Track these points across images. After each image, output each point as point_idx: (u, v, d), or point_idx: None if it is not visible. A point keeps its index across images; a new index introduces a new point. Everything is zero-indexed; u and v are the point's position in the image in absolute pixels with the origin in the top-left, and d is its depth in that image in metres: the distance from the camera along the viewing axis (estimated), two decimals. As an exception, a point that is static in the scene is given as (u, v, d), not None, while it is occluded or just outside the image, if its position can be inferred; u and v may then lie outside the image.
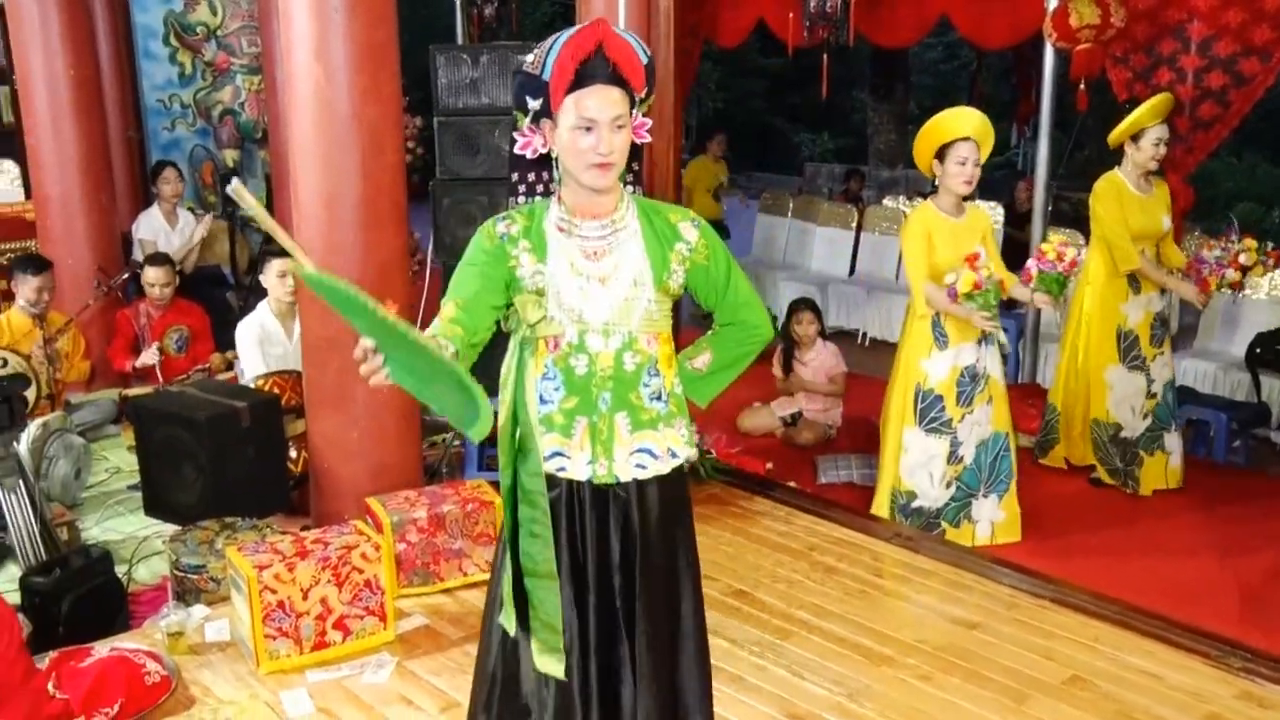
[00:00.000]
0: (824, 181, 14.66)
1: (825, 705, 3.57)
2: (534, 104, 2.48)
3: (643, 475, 2.62)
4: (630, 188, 2.74)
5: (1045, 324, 7.10)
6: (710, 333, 2.84)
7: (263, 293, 5.62)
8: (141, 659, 3.55)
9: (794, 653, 3.88)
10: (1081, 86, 6.47)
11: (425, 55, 5.09)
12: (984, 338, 4.85)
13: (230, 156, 8.97)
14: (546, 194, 2.67)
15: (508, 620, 2.68)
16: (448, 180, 5.06)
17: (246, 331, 5.46)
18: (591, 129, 2.43)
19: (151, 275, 6.29)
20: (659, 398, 2.62)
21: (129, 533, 4.85)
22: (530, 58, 2.49)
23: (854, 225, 9.51)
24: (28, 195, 7.45)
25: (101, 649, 3.60)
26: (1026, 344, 7.18)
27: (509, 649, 2.73)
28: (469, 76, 5.04)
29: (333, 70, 4.26)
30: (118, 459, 5.69)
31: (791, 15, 8.32)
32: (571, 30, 2.46)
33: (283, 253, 5.20)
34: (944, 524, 4.97)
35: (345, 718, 3.48)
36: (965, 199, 4.87)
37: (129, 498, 5.18)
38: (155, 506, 4.88)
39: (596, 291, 2.55)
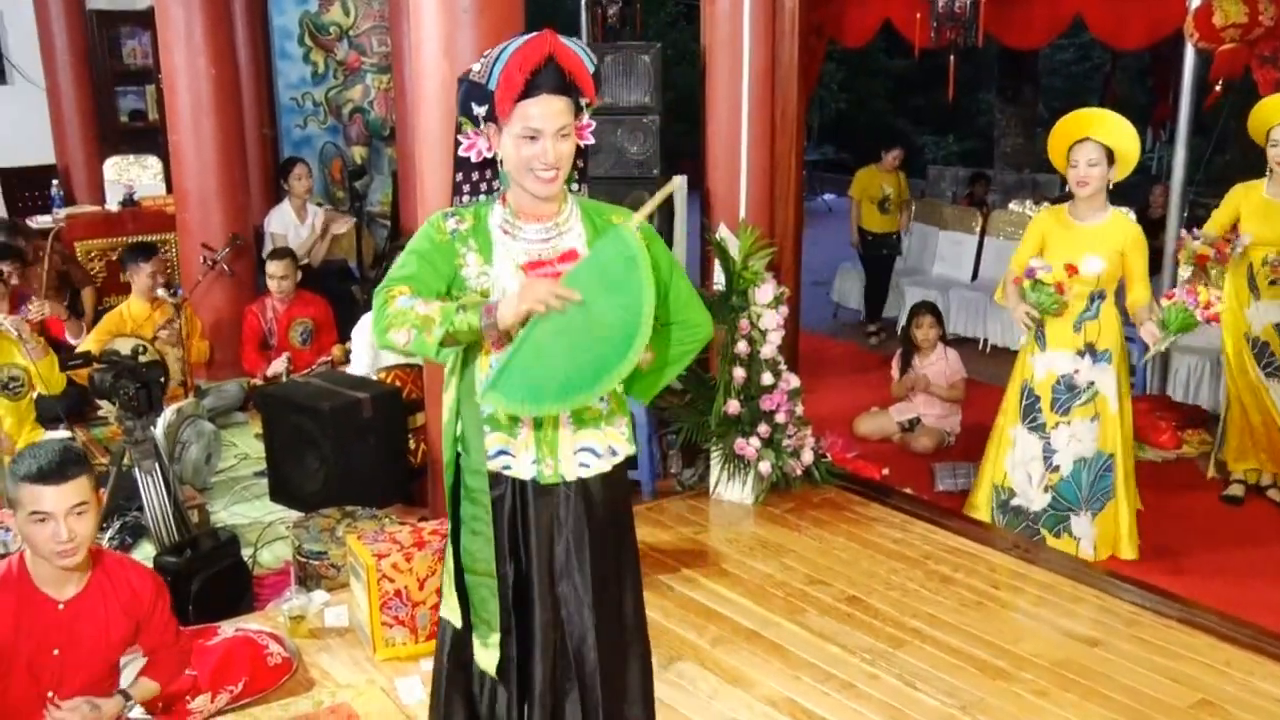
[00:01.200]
0: (948, 185, 14.37)
1: (937, 717, 3.51)
2: (479, 110, 2.51)
3: (586, 474, 2.66)
4: (578, 188, 2.76)
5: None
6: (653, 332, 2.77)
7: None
8: (265, 640, 3.66)
9: (907, 662, 3.83)
10: (1217, 88, 6.24)
11: (550, 54, 5.12)
12: (1092, 352, 4.68)
13: (358, 153, 9.16)
14: (490, 193, 2.68)
15: (451, 614, 2.76)
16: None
17: (367, 326, 5.56)
18: (536, 138, 2.45)
19: (273, 268, 6.46)
20: (601, 397, 2.61)
21: (254, 518, 5.00)
22: (477, 66, 2.51)
23: (978, 230, 9.32)
24: (169, 189, 7.73)
25: (227, 629, 3.72)
26: (1156, 356, 6.95)
27: (456, 641, 2.79)
28: (592, 76, 5.06)
29: (461, 68, 4.29)
30: (245, 445, 5.87)
31: (919, 15, 8.19)
32: (519, 40, 2.48)
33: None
34: (1044, 531, 4.83)
35: (458, 707, 3.53)
36: (1087, 202, 4.69)
37: (255, 483, 5.34)
38: (280, 493, 5.03)
39: None
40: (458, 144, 2.62)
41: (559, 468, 2.64)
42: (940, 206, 10.17)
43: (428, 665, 3.70)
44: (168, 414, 4.95)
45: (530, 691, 2.72)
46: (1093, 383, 4.69)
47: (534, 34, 2.49)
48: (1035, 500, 4.83)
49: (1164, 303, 4.51)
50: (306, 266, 7.34)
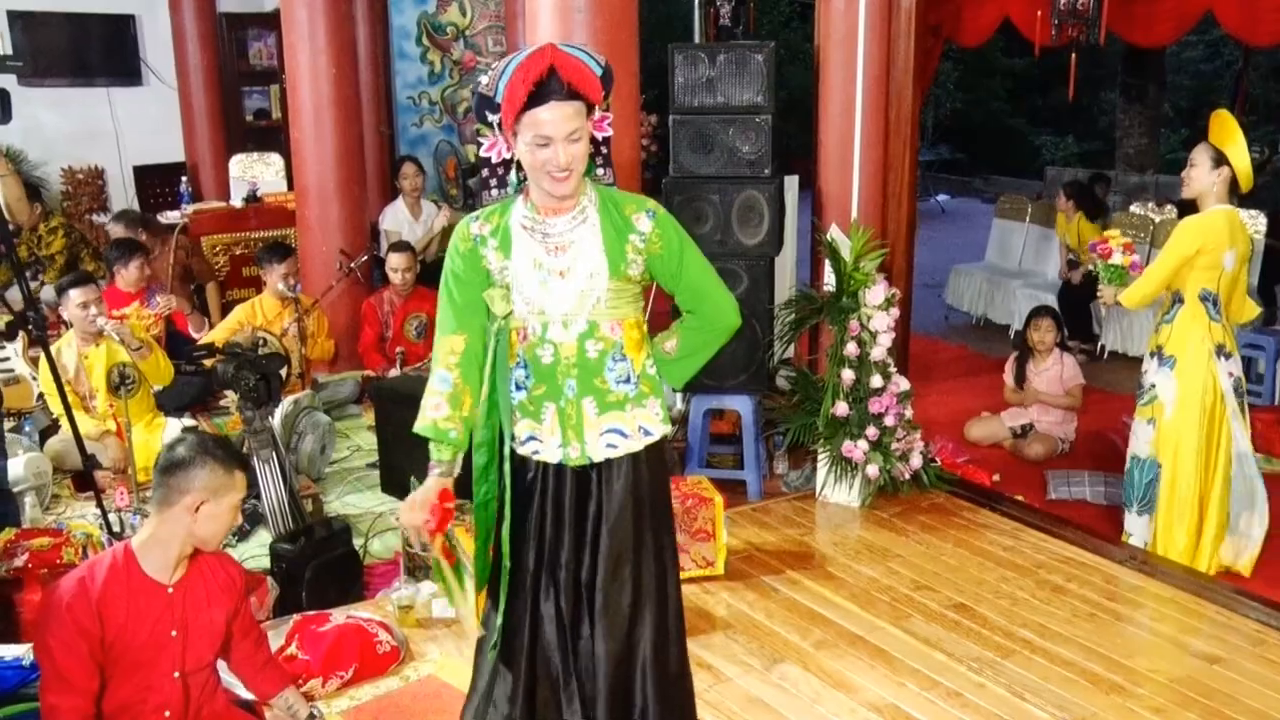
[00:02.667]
0: (1066, 186, 14.07)
1: (1048, 729, 3.44)
2: (493, 119, 2.63)
3: (614, 454, 2.76)
4: (601, 172, 2.86)
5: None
6: (680, 319, 2.94)
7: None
8: (374, 628, 3.74)
9: (1015, 672, 3.75)
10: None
11: (662, 53, 5.13)
12: (1159, 355, 4.57)
13: (473, 152, 9.29)
14: (516, 190, 2.79)
15: (478, 583, 2.87)
16: (680, 178, 5.10)
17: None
18: (548, 144, 2.55)
19: (394, 261, 6.61)
20: (626, 380, 2.75)
21: (366, 508, 5.10)
22: (485, 79, 2.62)
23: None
24: (290, 186, 7.93)
25: (339, 616, 3.80)
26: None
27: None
28: (705, 75, 5.06)
29: (574, 69, 4.35)
30: (358, 438, 5.99)
31: (1040, 13, 8.01)
32: (522, 54, 2.57)
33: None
34: None
35: (561, 701, 3.56)
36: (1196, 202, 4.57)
37: (368, 475, 5.46)
38: (391, 484, 5.12)
39: (556, 285, 2.69)
40: (479, 145, 2.75)
41: (585, 450, 2.75)
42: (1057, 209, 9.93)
43: (532, 658, 3.76)
44: (285, 405, 5.08)
45: (552, 673, 2.83)
46: (1154, 385, 4.58)
47: (536, 47, 2.59)
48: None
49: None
50: (421, 262, 7.47)
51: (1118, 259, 4.58)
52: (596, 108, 2.66)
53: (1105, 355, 8.18)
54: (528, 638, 2.83)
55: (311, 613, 3.83)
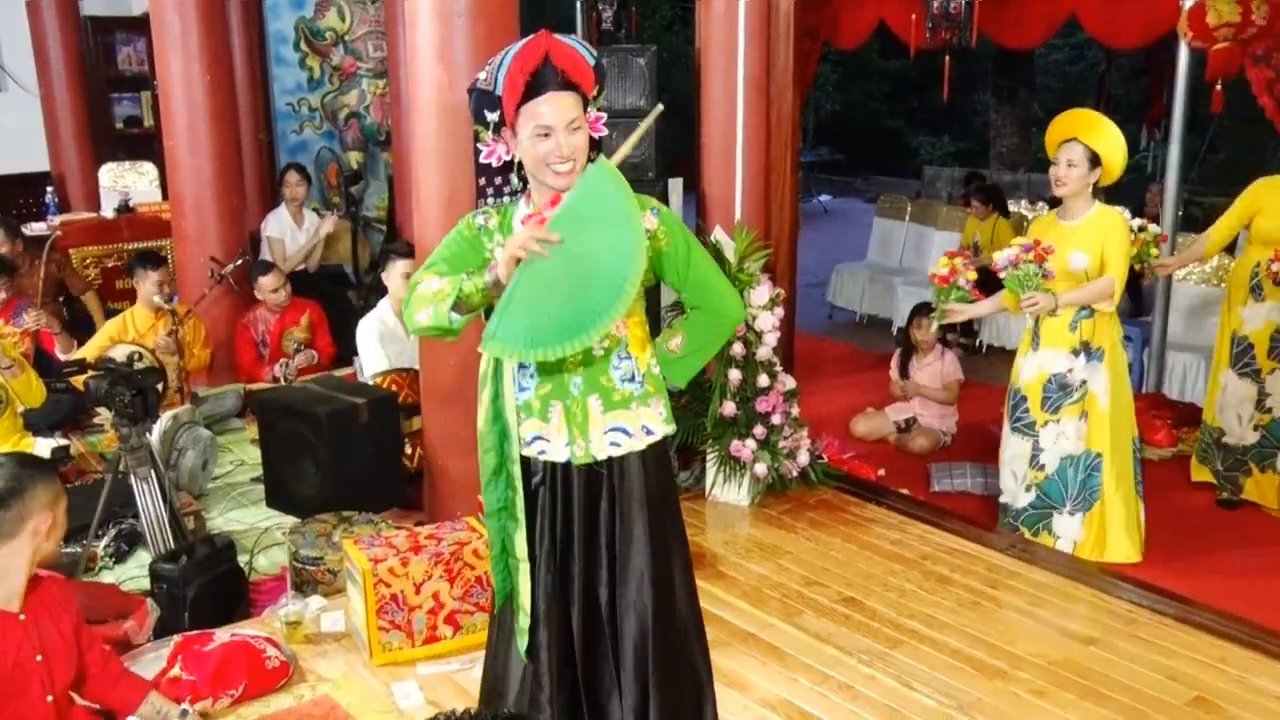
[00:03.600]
0: (943, 185, 14.41)
1: (935, 717, 3.51)
2: (492, 117, 2.63)
3: (617, 452, 2.74)
4: None
5: (1173, 334, 6.88)
6: (683, 316, 2.96)
7: (383, 291, 5.73)
8: (262, 644, 3.66)
9: (904, 663, 3.83)
10: (1218, 87, 6.24)
11: (545, 58, 5.12)
12: (1087, 351, 4.67)
13: (355, 158, 9.16)
14: (514, 194, 2.82)
15: (499, 597, 2.89)
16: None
17: (367, 329, 5.58)
18: (549, 134, 2.55)
19: (267, 282, 6.48)
20: (631, 379, 2.75)
21: (251, 524, 5.00)
22: (483, 75, 2.63)
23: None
24: (165, 196, 7.72)
25: (223, 634, 3.71)
26: (1152, 353, 6.96)
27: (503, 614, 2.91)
28: (587, 79, 5.06)
29: (455, 73, 4.32)
30: (241, 452, 5.87)
31: (914, 16, 8.19)
32: (518, 45, 2.59)
33: (408, 253, 5.32)
34: (1023, 529, 4.84)
35: (455, 711, 3.53)
36: (1070, 202, 4.71)
37: (251, 489, 5.34)
38: (276, 498, 5.03)
39: None
40: (478, 151, 2.72)
41: (590, 448, 2.73)
42: (935, 207, 10.17)
43: (425, 670, 3.73)
44: (164, 421, 4.95)
45: (558, 672, 2.80)
46: (1085, 381, 4.68)
47: (531, 36, 2.60)
48: (1019, 498, 4.84)
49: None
50: (304, 272, 7.36)
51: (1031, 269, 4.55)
52: (591, 105, 2.66)
53: (984, 350, 8.40)
54: (552, 634, 2.80)
55: (194, 633, 3.73)
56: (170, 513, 4.35)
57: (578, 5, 9.57)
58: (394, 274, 5.53)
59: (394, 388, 5.20)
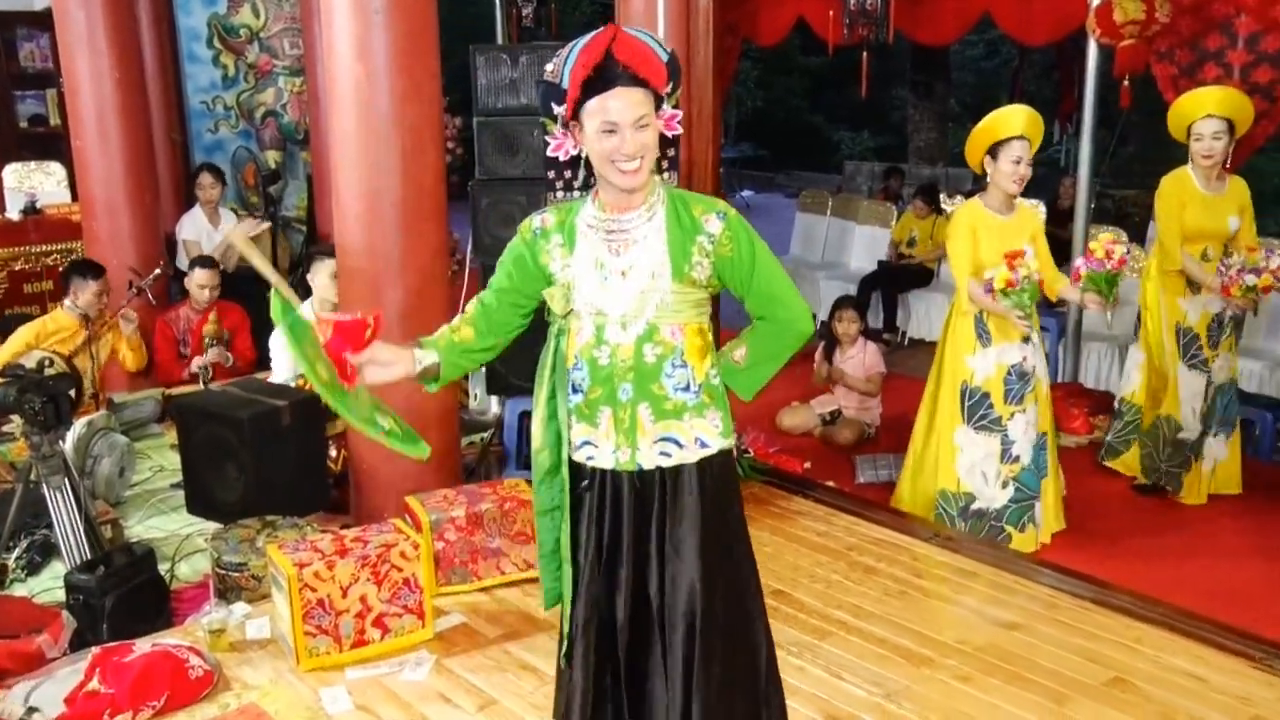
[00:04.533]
0: (863, 180, 14.58)
1: (864, 706, 3.54)
2: (559, 110, 2.55)
3: (667, 463, 2.66)
4: (666, 175, 2.77)
5: (1088, 323, 7.03)
6: (749, 326, 2.84)
7: (307, 292, 5.65)
8: (184, 653, 3.59)
9: (832, 653, 3.86)
10: (1125, 83, 6.38)
11: (465, 55, 5.09)
12: (1029, 337, 4.80)
13: (272, 158, 9.03)
14: (585, 188, 2.76)
15: (545, 598, 2.86)
16: (486, 180, 5.07)
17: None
18: (614, 131, 2.47)
19: (200, 277, 6.33)
20: (686, 388, 2.65)
21: (172, 531, 4.90)
22: (550, 66, 2.55)
23: (892, 223, 9.46)
24: (74, 197, 7.55)
25: (143, 645, 3.64)
26: (1068, 343, 7.11)
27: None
28: (508, 77, 5.04)
29: (374, 71, 4.28)
30: (161, 458, 5.75)
31: (831, 13, 8.29)
32: (586, 37, 2.50)
33: (333, 253, 5.25)
34: (1009, 529, 4.86)
35: (384, 715, 3.50)
36: (1008, 198, 4.82)
37: (172, 496, 5.24)
38: (197, 505, 4.94)
39: (617, 285, 2.61)
40: (546, 144, 2.66)
41: (636, 456, 2.66)
42: (856, 201, 10.28)
43: (353, 675, 3.69)
44: (78, 427, 4.84)
45: (603, 680, 2.76)
46: (1034, 366, 4.83)
47: (599, 30, 2.51)
48: (996, 498, 4.87)
49: (1084, 273, 4.69)
50: (221, 273, 7.22)
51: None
52: (665, 102, 2.56)
53: (906, 342, 8.51)
54: (589, 645, 2.74)
55: (113, 644, 3.65)
56: (85, 522, 4.25)
57: (497, 2, 9.54)
58: (320, 274, 5.46)
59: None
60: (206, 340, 6.21)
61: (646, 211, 2.62)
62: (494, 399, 5.54)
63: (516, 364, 5.04)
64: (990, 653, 3.84)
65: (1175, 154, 5.35)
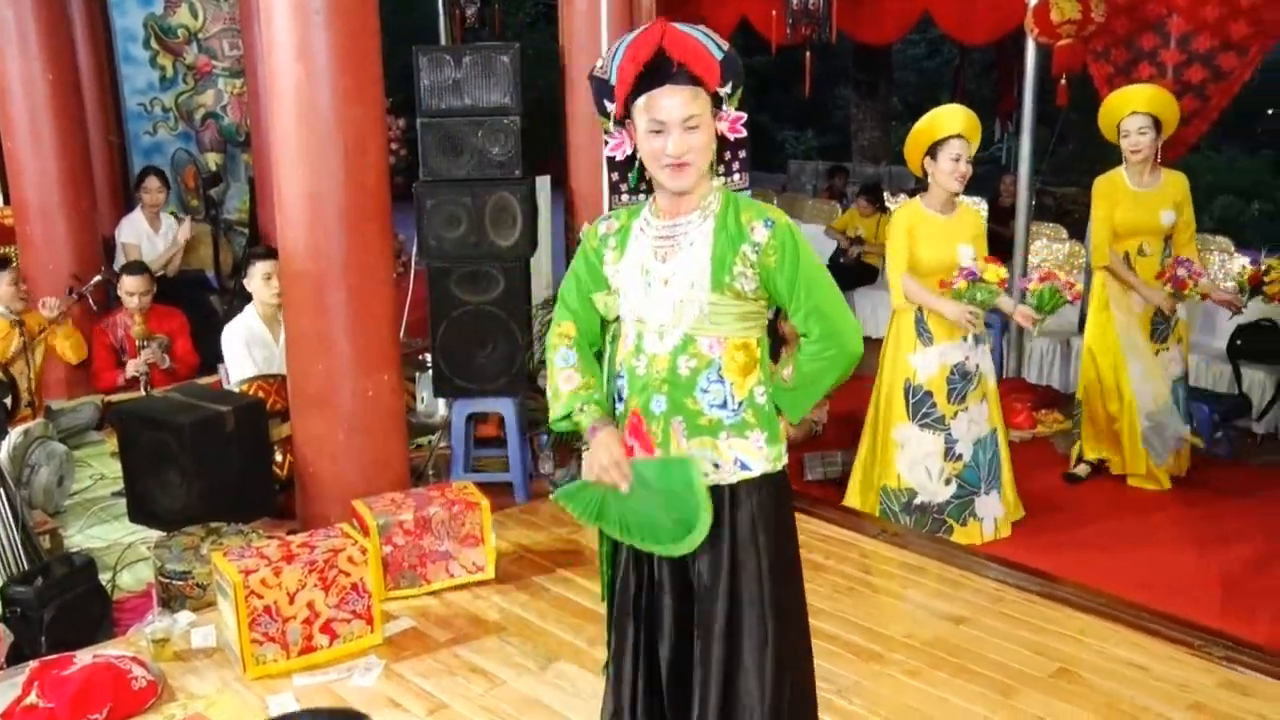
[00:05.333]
0: (808, 179, 14.65)
1: (814, 702, 3.56)
2: (610, 107, 2.49)
3: (704, 482, 2.53)
4: (723, 179, 2.64)
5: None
6: (798, 343, 2.69)
7: (247, 296, 5.58)
8: (127, 664, 3.53)
9: (782, 650, 3.87)
10: (1063, 81, 6.47)
11: (409, 56, 5.06)
12: (976, 337, 4.86)
13: (213, 160, 8.90)
14: (636, 191, 2.68)
15: (604, 593, 2.84)
16: (431, 181, 5.04)
17: (233, 335, 5.42)
18: (662, 131, 2.40)
19: (130, 284, 6.13)
20: (723, 405, 2.54)
21: (113, 539, 4.82)
22: (600, 62, 2.50)
23: (836, 220, 9.51)
24: (6, 201, 7.40)
25: (84, 657, 3.57)
26: (1011, 339, 7.19)
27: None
28: (452, 77, 5.01)
29: (314, 71, 4.24)
30: (101, 465, 5.65)
31: (774, 13, 8.33)
32: (634, 32, 2.44)
33: (268, 255, 5.19)
34: (950, 521, 4.92)
35: (333, 722, 3.47)
36: (950, 197, 4.87)
37: (113, 504, 5.15)
38: (139, 513, 4.85)
39: (659, 292, 2.52)
40: (606, 144, 2.61)
41: None
42: (800, 200, 10.35)
43: (301, 681, 3.65)
44: (13, 436, 4.76)
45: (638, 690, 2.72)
46: (978, 365, 4.87)
47: (648, 24, 2.44)
48: (939, 494, 4.92)
49: (1031, 286, 4.84)
50: (163, 277, 7.12)
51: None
52: (725, 103, 2.47)
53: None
54: (629, 663, 2.70)
55: (52, 657, 3.58)
56: (23, 532, 4.17)
57: (440, 3, 9.48)
58: (255, 277, 5.38)
59: (261, 394, 5.07)
60: (139, 343, 6.08)
61: (698, 217, 2.51)
62: (441, 402, 5.50)
63: (462, 367, 5.05)
64: (938, 647, 3.87)
65: (1113, 152, 5.43)
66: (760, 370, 2.58)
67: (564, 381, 2.62)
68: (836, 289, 2.57)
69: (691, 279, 2.49)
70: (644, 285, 2.54)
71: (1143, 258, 5.29)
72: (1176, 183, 5.32)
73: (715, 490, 2.54)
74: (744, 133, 2.53)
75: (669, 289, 2.51)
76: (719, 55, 2.42)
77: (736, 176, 2.68)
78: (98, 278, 6.42)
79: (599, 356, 2.71)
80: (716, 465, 2.55)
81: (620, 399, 2.62)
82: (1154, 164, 5.29)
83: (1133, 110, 5.20)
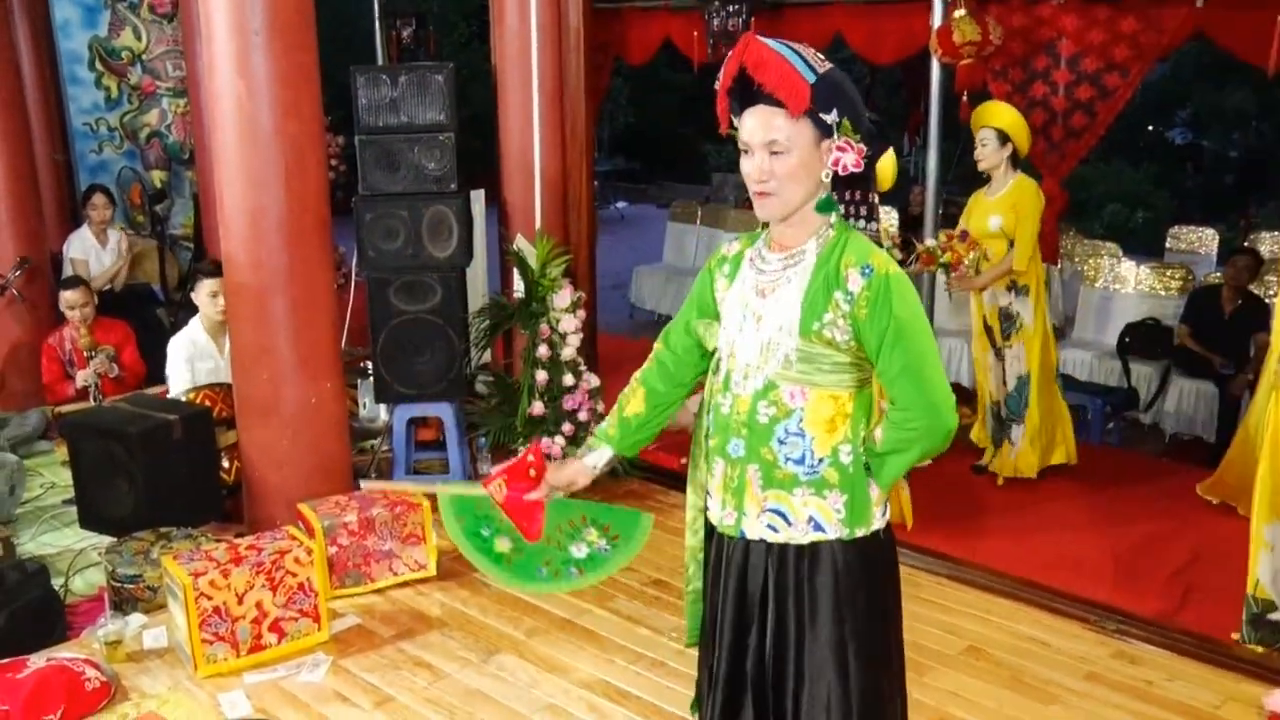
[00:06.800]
0: (730, 190, 14.71)
1: (741, 685, 3.58)
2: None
3: (772, 538, 2.28)
4: (844, 220, 2.29)
5: (939, 319, 7.20)
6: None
7: (193, 308, 5.48)
8: (80, 666, 3.46)
9: (711, 636, 3.89)
10: (965, 98, 6.57)
11: (347, 76, 5.01)
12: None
13: (158, 177, 8.74)
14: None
15: (688, 636, 2.67)
16: (369, 196, 4.99)
17: (178, 348, 5.32)
18: (749, 152, 2.17)
19: (70, 298, 5.97)
20: (801, 461, 2.22)
21: (65, 546, 4.71)
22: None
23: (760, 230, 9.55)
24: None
25: (38, 660, 3.49)
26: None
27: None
28: (388, 96, 4.98)
29: (255, 89, 4.18)
30: (52, 474, 5.52)
31: (696, 34, 8.37)
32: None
33: (214, 272, 5.10)
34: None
35: (283, 718, 3.42)
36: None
37: (64, 512, 5.04)
38: (90, 519, 4.75)
39: (751, 329, 2.26)
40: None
41: (741, 522, 2.30)
42: (724, 210, 10.39)
43: (251, 679, 3.60)
44: (-35, 447, 4.63)
45: None
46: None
47: (743, 38, 2.18)
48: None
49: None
50: (110, 291, 6.99)
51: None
52: (835, 131, 2.13)
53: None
54: (714, 698, 2.44)
55: (5, 661, 3.49)
56: (-24, 540, 4.06)
57: (377, 24, 9.40)
58: (201, 293, 5.28)
59: (208, 403, 4.98)
60: (86, 353, 5.95)
61: (799, 254, 2.22)
62: (382, 407, 5.46)
63: (402, 374, 5.01)
64: (856, 629, 3.90)
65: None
66: (850, 427, 2.24)
67: (611, 412, 2.54)
68: (935, 354, 2.21)
69: (780, 321, 2.21)
70: (740, 319, 2.27)
71: (986, 262, 5.34)
72: (1015, 190, 5.28)
73: (784, 549, 2.27)
74: (856, 168, 2.17)
75: (760, 328, 2.23)
76: (809, 77, 2.10)
77: (862, 222, 2.22)
78: (19, 267, 6.26)
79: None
80: (789, 522, 2.25)
81: (710, 435, 2.35)
82: (1006, 172, 5.33)
83: (983, 124, 5.33)
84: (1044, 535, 4.89)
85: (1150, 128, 16.85)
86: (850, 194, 2.05)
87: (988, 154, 5.32)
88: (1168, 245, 8.95)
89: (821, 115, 2.11)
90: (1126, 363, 6.68)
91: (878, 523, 2.31)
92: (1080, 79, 6.40)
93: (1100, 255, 7.59)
